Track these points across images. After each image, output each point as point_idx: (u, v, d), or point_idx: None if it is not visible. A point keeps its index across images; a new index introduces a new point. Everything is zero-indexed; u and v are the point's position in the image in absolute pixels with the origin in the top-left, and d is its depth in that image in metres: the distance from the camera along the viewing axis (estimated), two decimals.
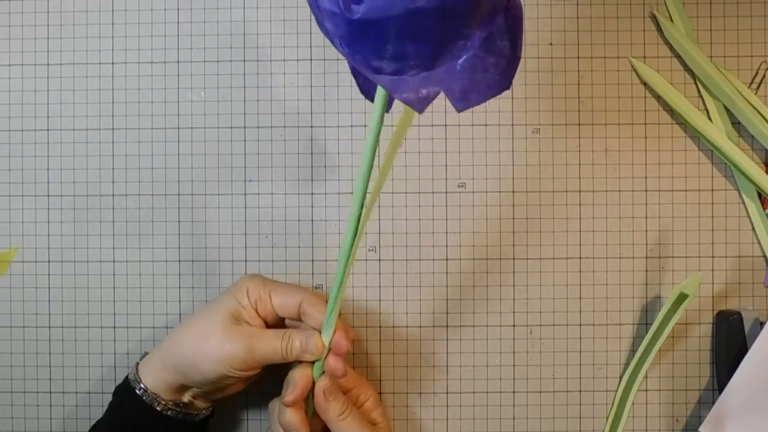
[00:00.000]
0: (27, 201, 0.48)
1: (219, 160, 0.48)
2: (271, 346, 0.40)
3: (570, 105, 0.47)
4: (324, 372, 0.41)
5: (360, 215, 0.35)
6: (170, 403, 0.41)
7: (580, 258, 0.47)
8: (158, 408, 0.41)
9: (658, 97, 0.47)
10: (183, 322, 0.43)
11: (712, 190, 0.47)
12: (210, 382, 0.41)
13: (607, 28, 0.47)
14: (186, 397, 0.42)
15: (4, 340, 0.48)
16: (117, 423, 0.42)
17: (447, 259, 0.47)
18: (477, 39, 0.28)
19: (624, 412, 0.47)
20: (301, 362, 0.41)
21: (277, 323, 0.43)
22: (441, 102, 0.47)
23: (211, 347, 0.40)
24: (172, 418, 0.41)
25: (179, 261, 0.48)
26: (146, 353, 0.43)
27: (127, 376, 0.42)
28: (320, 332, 0.40)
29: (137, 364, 0.42)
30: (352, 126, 0.48)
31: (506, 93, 0.47)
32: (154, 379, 0.41)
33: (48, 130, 0.48)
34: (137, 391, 0.41)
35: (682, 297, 0.44)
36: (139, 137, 0.48)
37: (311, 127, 0.48)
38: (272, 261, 0.48)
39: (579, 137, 0.47)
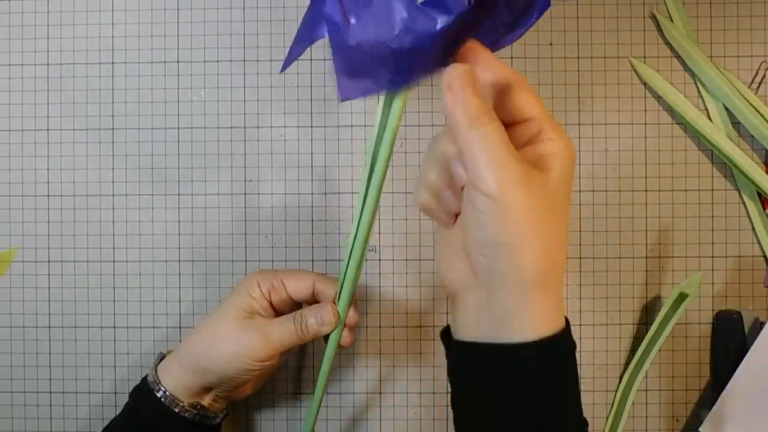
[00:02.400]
0: (27, 201, 0.48)
1: (219, 160, 0.48)
2: (286, 329, 0.40)
3: (570, 105, 0.47)
4: (340, 344, 0.41)
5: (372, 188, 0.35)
6: (188, 405, 0.41)
7: (580, 258, 0.47)
8: (176, 410, 0.41)
9: (658, 97, 0.47)
10: (198, 324, 0.43)
11: (712, 190, 0.47)
12: (229, 379, 0.41)
13: (607, 28, 0.47)
14: (206, 400, 0.42)
15: (4, 340, 0.48)
16: (132, 424, 0.42)
17: None
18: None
19: (624, 412, 0.47)
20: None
21: (291, 312, 0.43)
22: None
23: (226, 343, 0.40)
24: (189, 420, 0.41)
25: (179, 261, 0.48)
26: (163, 355, 0.43)
27: (145, 378, 0.43)
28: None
29: (156, 366, 0.42)
30: (352, 126, 0.48)
31: None
32: (173, 382, 0.41)
33: (48, 130, 0.48)
34: (157, 394, 0.41)
35: (682, 297, 0.44)
36: (139, 137, 0.48)
37: (311, 127, 0.48)
38: (272, 261, 0.48)
39: (579, 137, 0.47)
